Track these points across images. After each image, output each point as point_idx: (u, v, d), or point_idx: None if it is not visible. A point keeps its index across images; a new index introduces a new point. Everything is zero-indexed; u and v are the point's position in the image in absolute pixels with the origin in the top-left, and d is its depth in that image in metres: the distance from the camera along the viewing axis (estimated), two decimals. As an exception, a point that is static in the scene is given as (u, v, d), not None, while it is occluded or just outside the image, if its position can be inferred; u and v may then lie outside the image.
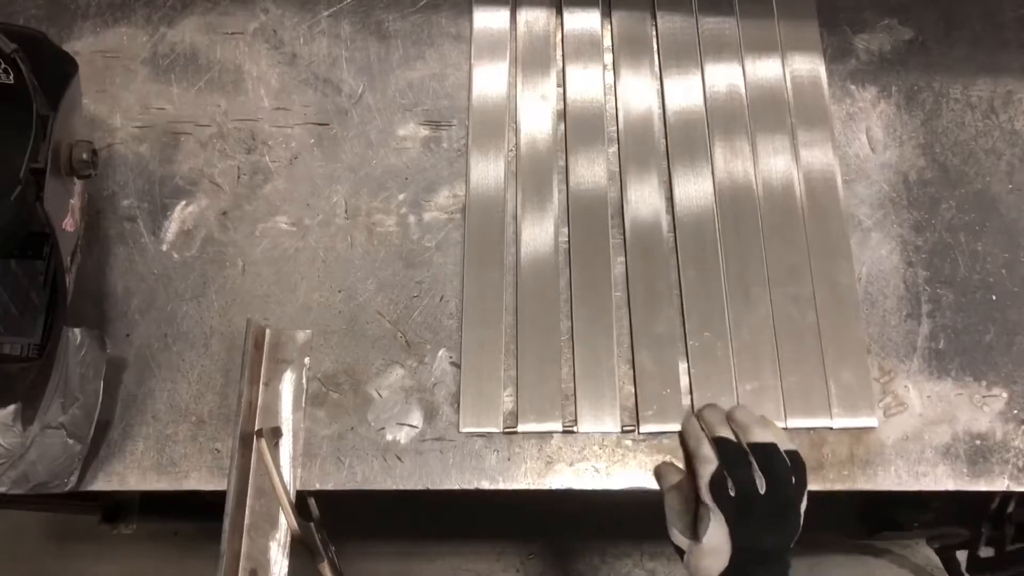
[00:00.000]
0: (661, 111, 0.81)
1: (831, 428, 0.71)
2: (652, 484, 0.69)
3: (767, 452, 0.63)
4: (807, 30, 0.84)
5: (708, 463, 0.62)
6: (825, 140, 0.80)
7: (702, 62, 0.82)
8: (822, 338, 0.73)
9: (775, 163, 0.79)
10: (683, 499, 0.65)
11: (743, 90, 0.81)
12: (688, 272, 0.75)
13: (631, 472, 0.69)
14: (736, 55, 0.83)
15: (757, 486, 0.61)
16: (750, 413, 0.67)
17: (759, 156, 0.79)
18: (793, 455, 0.64)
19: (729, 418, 0.66)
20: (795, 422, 0.71)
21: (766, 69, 0.82)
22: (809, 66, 0.83)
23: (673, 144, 0.79)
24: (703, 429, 0.66)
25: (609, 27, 0.84)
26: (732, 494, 0.61)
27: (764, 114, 0.81)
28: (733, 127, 0.80)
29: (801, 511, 0.62)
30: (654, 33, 0.84)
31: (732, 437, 0.64)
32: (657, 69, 0.83)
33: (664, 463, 0.69)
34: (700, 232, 0.76)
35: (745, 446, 0.63)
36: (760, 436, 0.64)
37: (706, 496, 0.61)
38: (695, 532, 0.62)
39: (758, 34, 0.84)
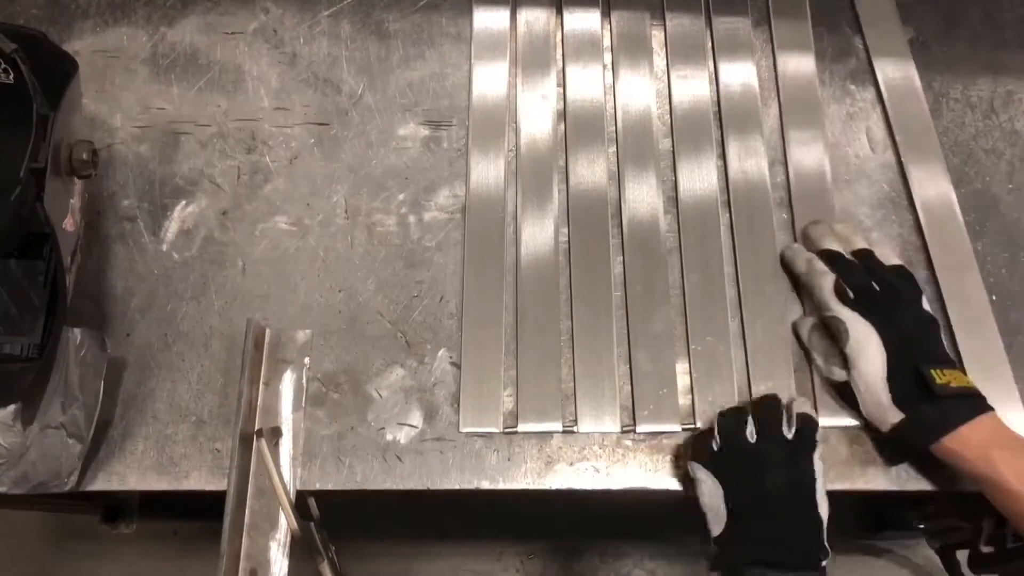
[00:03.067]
0: (660, 111, 0.81)
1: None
2: (652, 484, 0.69)
3: (868, 258, 0.70)
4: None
5: (826, 275, 0.69)
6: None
7: (715, 58, 0.83)
8: None
9: (804, 158, 0.79)
10: (820, 334, 0.70)
11: (761, 87, 0.82)
12: (691, 276, 0.74)
13: (631, 472, 0.69)
14: (757, 52, 0.83)
15: (872, 286, 0.67)
16: (849, 224, 0.74)
17: (790, 152, 0.79)
18: (898, 268, 0.70)
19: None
20: (828, 421, 0.70)
21: (796, 66, 0.83)
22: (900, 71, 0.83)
23: (678, 141, 0.79)
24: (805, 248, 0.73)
25: (609, 27, 0.84)
26: (852, 296, 0.67)
27: (795, 112, 0.81)
28: (746, 125, 0.80)
29: (924, 305, 0.68)
30: (656, 33, 0.84)
31: (838, 248, 0.71)
32: (656, 69, 0.83)
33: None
34: (704, 233, 0.76)
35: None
36: (860, 243, 0.71)
37: (835, 305, 0.67)
38: (842, 353, 0.67)
39: (786, 33, 0.84)
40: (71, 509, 1.17)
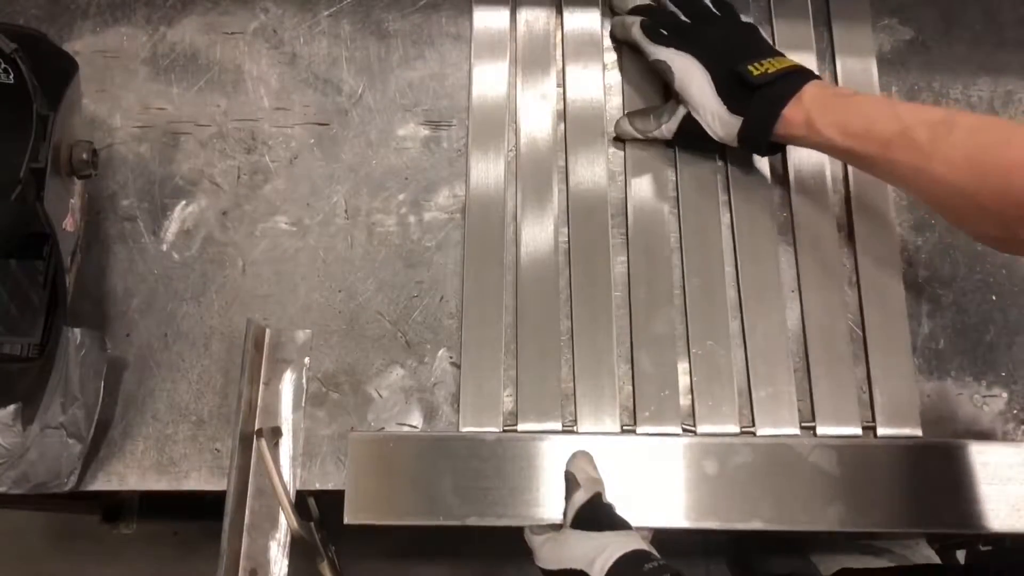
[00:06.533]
0: (661, 111, 0.81)
1: (874, 434, 0.70)
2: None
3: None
4: (859, 29, 0.84)
5: (635, 23, 0.74)
6: None
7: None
8: (868, 344, 0.72)
9: (804, 158, 0.78)
10: (638, 116, 0.76)
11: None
12: (692, 278, 0.74)
13: (631, 472, 0.69)
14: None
15: (680, 18, 0.71)
16: None
17: (790, 152, 0.78)
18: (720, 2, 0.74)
19: None
20: (828, 430, 0.70)
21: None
22: (861, 65, 0.83)
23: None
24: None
25: (609, 27, 0.84)
26: (666, 33, 0.71)
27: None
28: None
29: (740, 19, 0.72)
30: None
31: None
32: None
33: None
34: (705, 234, 0.76)
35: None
36: None
37: (651, 47, 0.71)
38: (676, 95, 0.71)
39: (787, 33, 0.83)
40: (71, 509, 1.17)
